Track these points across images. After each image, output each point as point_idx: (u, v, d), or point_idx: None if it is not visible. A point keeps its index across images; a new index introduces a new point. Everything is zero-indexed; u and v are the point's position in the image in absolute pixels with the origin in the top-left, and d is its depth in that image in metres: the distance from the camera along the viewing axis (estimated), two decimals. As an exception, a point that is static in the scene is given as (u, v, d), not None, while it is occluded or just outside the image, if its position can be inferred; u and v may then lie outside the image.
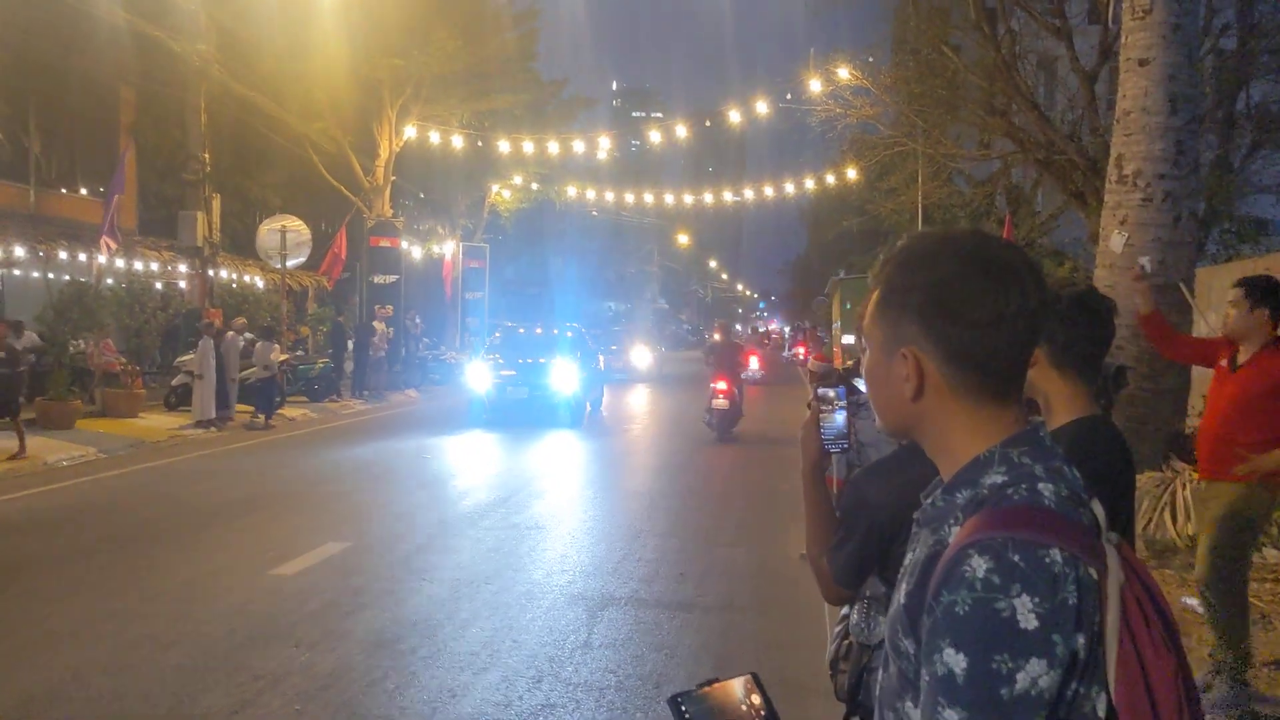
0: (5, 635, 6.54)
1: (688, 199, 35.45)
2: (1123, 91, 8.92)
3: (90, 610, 7.03)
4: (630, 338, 40.15)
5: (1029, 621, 1.24)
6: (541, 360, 20.08)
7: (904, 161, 24.82)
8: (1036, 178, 24.85)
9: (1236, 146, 20.43)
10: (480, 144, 29.17)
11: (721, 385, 17.86)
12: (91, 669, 5.90)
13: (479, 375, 19.90)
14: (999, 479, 1.38)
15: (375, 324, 25.74)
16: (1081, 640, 1.27)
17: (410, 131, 27.39)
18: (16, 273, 22.88)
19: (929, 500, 1.48)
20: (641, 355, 37.83)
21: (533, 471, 13.90)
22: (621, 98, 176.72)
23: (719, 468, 14.79)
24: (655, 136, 27.48)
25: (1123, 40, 8.98)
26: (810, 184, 31.37)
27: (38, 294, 20.67)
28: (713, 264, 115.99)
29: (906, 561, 1.51)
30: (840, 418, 2.60)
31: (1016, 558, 1.26)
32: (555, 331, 22.88)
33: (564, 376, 19.73)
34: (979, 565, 1.27)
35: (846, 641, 2.84)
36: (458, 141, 28.14)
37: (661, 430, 20.32)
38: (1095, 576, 1.31)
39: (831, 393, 2.61)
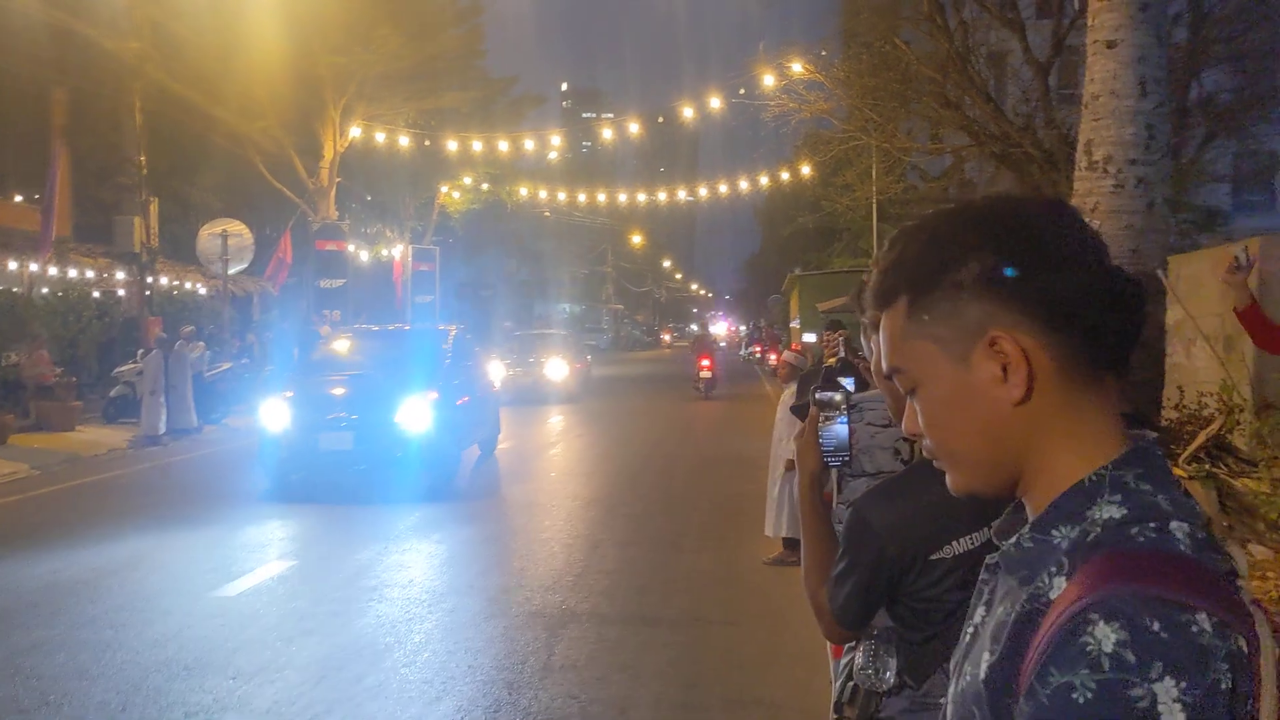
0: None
1: (640, 198, 35.05)
2: (1090, 75, 8.65)
3: (11, 643, 6.50)
4: (545, 345, 28.53)
5: (1174, 715, 0.88)
6: (380, 385, 12.43)
7: (858, 157, 24.56)
8: (992, 172, 24.77)
9: (1191, 137, 20.42)
10: (428, 143, 28.60)
11: (705, 363, 27.53)
12: (7, 708, 5.39)
13: (275, 413, 12.12)
14: (1115, 513, 1.01)
15: (323, 329, 25.10)
16: None
17: (355, 131, 26.78)
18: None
19: (1011, 541, 1.09)
20: (556, 368, 26.93)
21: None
22: (572, 99, 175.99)
23: (680, 468, 14.41)
24: (607, 134, 27.08)
25: (1090, 22, 8.71)
26: (764, 181, 31.11)
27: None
28: (667, 264, 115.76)
29: (977, 619, 1.13)
30: (842, 426, 2.22)
31: (1156, 626, 0.90)
32: (410, 336, 15.87)
33: (415, 412, 11.98)
34: (1106, 635, 0.90)
35: (851, 684, 2.45)
36: (404, 141, 27.57)
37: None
38: (1246, 649, 0.94)
39: (835, 396, 2.23)
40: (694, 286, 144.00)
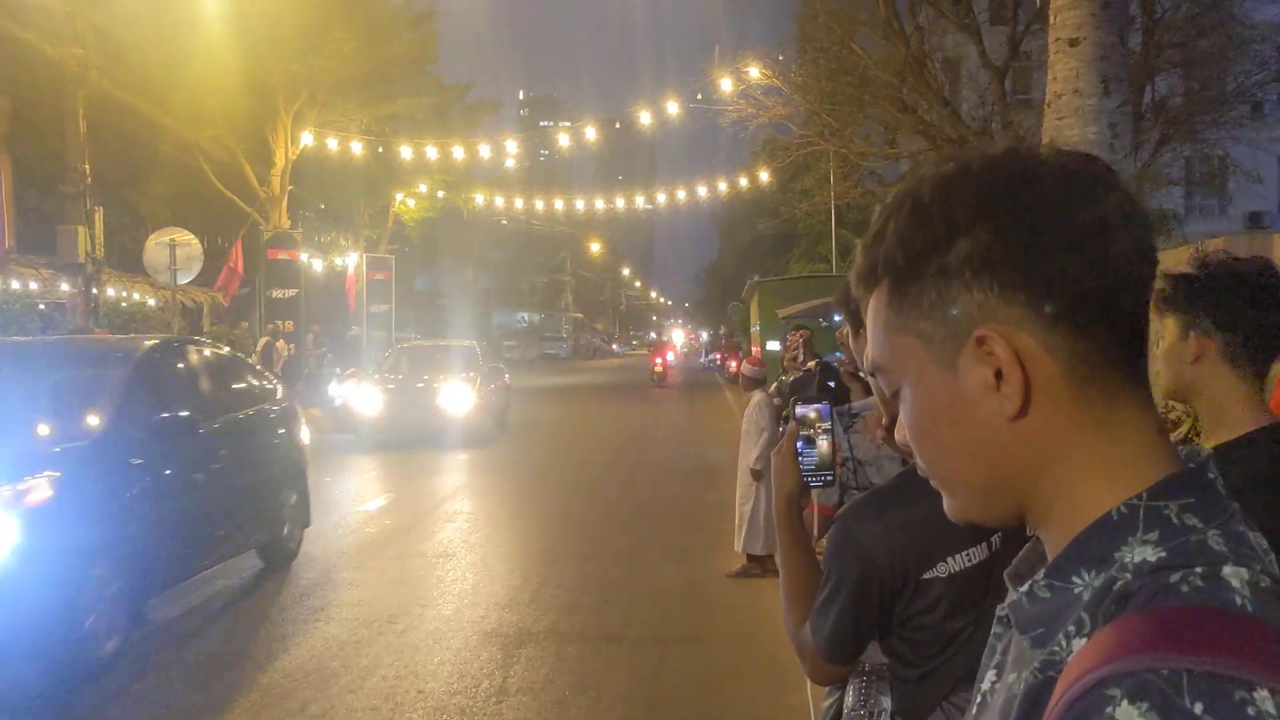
0: None
1: (599, 204, 34.76)
2: (1053, 74, 8.52)
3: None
4: (442, 361, 20.09)
5: None
6: None
7: (816, 162, 24.47)
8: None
9: (1145, 140, 20.52)
10: (381, 150, 28.17)
11: (658, 360, 38.99)
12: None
13: None
14: (1151, 555, 0.77)
15: (278, 343, 24.59)
16: None
17: (307, 138, 26.31)
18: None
19: (1024, 589, 0.85)
20: (456, 396, 18.20)
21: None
22: (530, 107, 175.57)
23: (641, 478, 14.15)
24: (564, 140, 26.78)
25: (1051, 20, 8.58)
26: (722, 187, 30.98)
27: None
28: (626, 272, 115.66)
29: (985, 685, 0.90)
30: (825, 444, 1.98)
31: (1199, 708, 0.65)
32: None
33: None
34: (1129, 717, 0.66)
35: None
36: (358, 148, 27.13)
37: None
38: None
39: (813, 411, 1.99)
40: (653, 294, 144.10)
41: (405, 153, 27.51)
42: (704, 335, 65.14)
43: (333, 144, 26.58)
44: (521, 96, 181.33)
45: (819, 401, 2.02)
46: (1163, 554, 0.77)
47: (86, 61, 19.98)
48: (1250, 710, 0.65)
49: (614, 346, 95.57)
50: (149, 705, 5.58)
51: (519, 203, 35.92)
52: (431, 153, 27.27)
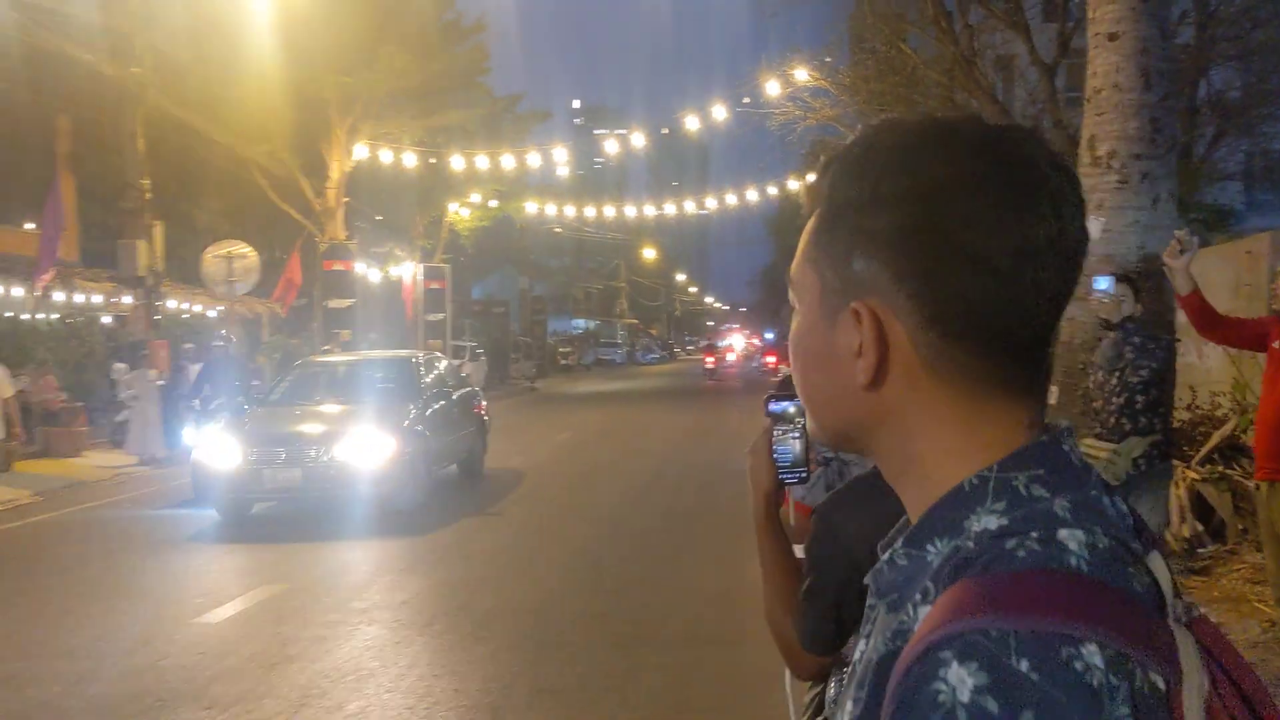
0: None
1: (650, 211, 34.87)
2: (1092, 69, 8.42)
3: (-14, 675, 6.31)
4: (359, 386, 13.31)
5: None
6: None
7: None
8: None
9: (1201, 135, 20.15)
10: (434, 161, 28.50)
11: (710, 359, 45.62)
12: (-29, 747, 5.19)
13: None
14: (993, 523, 0.79)
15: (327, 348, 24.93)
16: None
17: (362, 151, 26.70)
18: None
19: (886, 555, 0.88)
20: (362, 447, 11.27)
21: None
22: (584, 116, 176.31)
23: (690, 481, 14.16)
24: (613, 148, 26.92)
25: (1090, 15, 8.49)
26: (773, 191, 30.91)
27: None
28: (680, 278, 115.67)
29: (855, 656, 0.92)
30: (798, 442, 2.01)
31: (1025, 665, 0.69)
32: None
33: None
34: (962, 680, 0.69)
35: (822, 718, 2.22)
36: (411, 160, 27.47)
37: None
38: (1162, 686, 0.72)
39: (790, 407, 2.01)
40: (708, 299, 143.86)
41: (458, 163, 27.78)
42: (769, 336, 64.49)
43: (386, 156, 26.93)
44: (576, 105, 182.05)
45: (792, 399, 2.04)
46: (1004, 521, 0.79)
47: (145, 80, 20.45)
48: (1078, 665, 0.69)
49: (669, 351, 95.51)
50: (181, 708, 5.72)
51: (570, 210, 36.13)
52: (483, 163, 27.53)
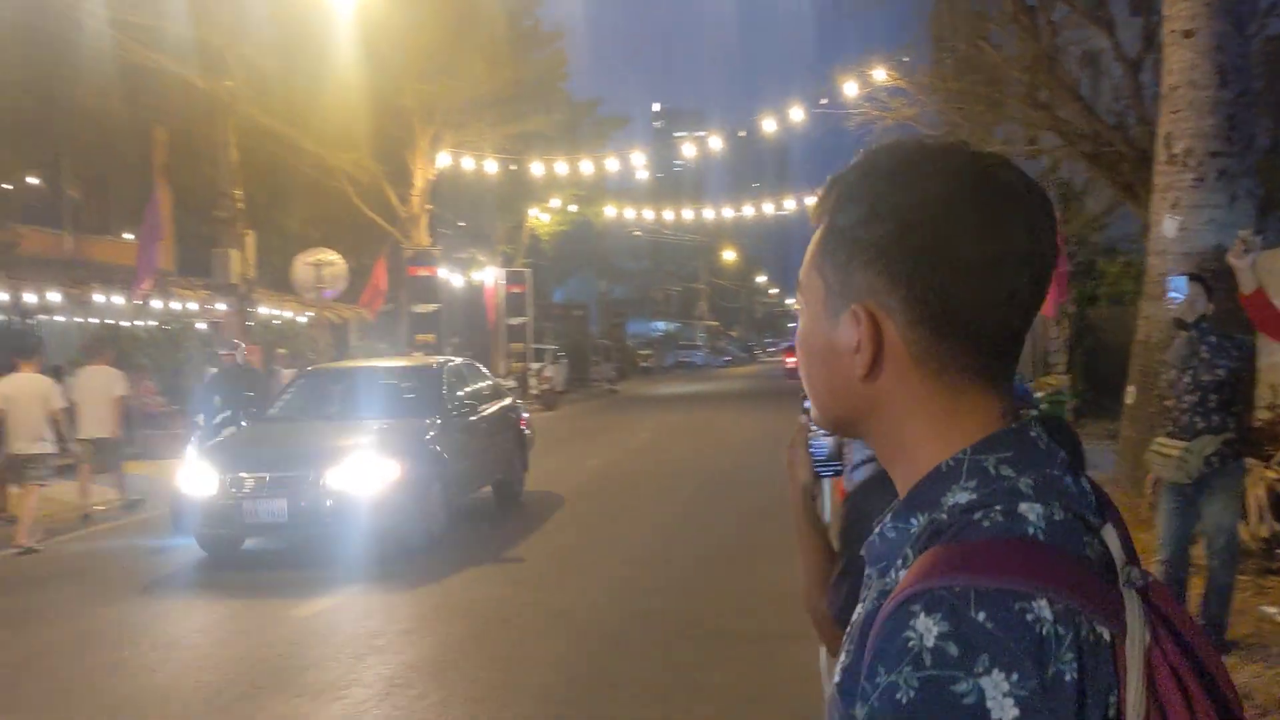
0: (3, 690, 6.22)
1: (729, 213, 34.96)
2: (1168, 66, 8.37)
3: (97, 662, 6.70)
4: (358, 402, 11.65)
5: (1005, 711, 0.81)
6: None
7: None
8: (1087, 175, 24.12)
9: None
10: (514, 168, 28.93)
11: (791, 360, 36.91)
12: (82, 728, 5.54)
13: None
14: (964, 498, 0.94)
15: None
16: None
17: (444, 159, 27.23)
18: (59, 318, 22.96)
19: (878, 529, 1.04)
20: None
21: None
22: (664, 119, 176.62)
23: (764, 479, 14.25)
24: (690, 150, 27.08)
25: (1165, 12, 8.43)
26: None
27: (75, 338, 20.70)
28: (760, 279, 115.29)
29: (855, 619, 1.07)
30: (830, 436, 2.16)
31: (982, 615, 0.84)
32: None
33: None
34: (928, 629, 0.84)
35: None
36: (492, 166, 27.94)
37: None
38: (1107, 637, 0.87)
39: None
40: (789, 301, 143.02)
41: (538, 169, 28.17)
42: None
43: (468, 163, 27.43)
44: (656, 109, 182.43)
45: None
46: (973, 497, 0.94)
47: (236, 92, 21.14)
48: (1029, 616, 0.84)
49: (749, 353, 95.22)
50: (274, 694, 6.01)
51: (649, 214, 36.35)
52: (563, 168, 27.88)
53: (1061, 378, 17.83)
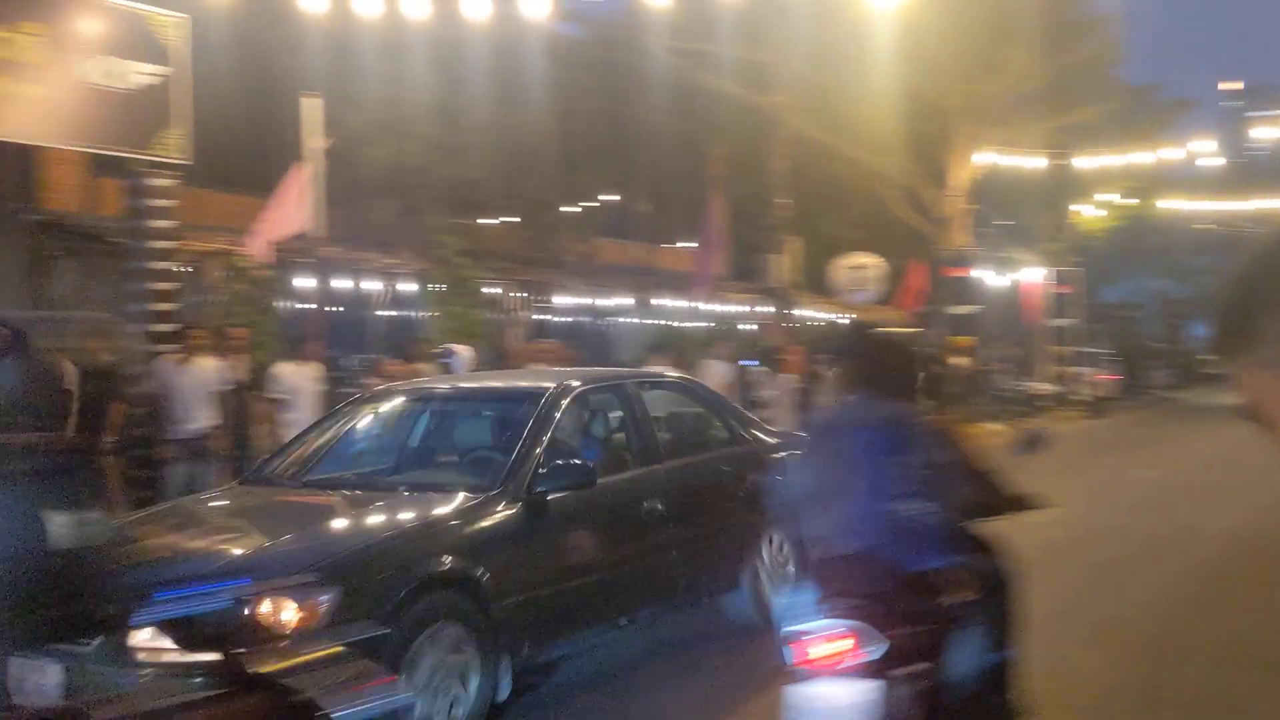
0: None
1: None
2: None
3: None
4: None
5: None
6: None
7: None
8: None
9: None
10: (1063, 163, 27.65)
11: None
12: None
13: None
14: None
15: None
16: None
17: (985, 157, 26.73)
18: (628, 320, 25.85)
19: None
20: None
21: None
22: (1239, 98, 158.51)
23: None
24: (1266, 133, 24.20)
25: None
26: None
27: (639, 338, 23.24)
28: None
29: None
30: None
31: None
32: None
33: None
34: None
35: None
36: (1036, 162, 26.94)
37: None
38: None
39: None
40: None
41: (1084, 162, 26.73)
42: None
43: (1008, 160, 26.72)
44: (1229, 88, 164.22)
45: None
46: None
47: (786, 105, 22.41)
48: None
49: None
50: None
51: (1214, 205, 32.98)
52: (1114, 161, 26.19)
53: None
